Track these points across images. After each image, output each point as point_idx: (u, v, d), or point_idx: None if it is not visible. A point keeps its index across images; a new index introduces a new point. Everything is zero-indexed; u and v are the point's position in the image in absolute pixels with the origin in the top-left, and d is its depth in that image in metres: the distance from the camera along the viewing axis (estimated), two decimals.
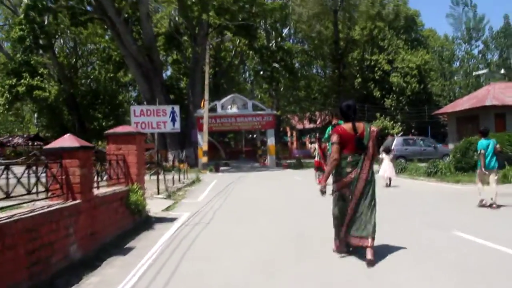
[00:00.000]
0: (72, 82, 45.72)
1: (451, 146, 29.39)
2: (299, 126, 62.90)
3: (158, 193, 14.58)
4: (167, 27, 40.18)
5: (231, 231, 8.78)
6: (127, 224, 8.89)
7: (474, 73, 40.43)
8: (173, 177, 17.94)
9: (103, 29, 41.62)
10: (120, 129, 9.78)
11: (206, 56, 30.94)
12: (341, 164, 6.01)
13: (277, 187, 18.36)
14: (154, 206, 12.40)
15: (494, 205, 10.37)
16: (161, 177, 15.90)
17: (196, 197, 15.06)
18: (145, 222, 9.76)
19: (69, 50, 50.26)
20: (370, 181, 5.99)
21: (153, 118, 15.00)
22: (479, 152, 10.62)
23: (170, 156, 31.81)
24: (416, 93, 48.39)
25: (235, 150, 58.76)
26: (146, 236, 8.55)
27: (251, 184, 20.07)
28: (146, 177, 18.85)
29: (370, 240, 5.89)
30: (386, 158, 16.61)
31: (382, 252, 6.40)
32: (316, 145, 21.76)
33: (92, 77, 49.66)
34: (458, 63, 48.28)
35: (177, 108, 15.56)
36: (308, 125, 63.56)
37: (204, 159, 30.55)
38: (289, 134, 67.07)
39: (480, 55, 46.64)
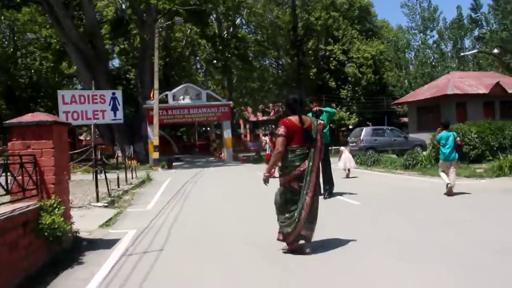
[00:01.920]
0: (9, 73, 41.17)
1: (413, 135, 27.25)
2: (252, 119, 60.16)
3: (98, 200, 11.29)
4: (112, 14, 36.34)
5: (194, 267, 5.75)
6: (38, 260, 5.73)
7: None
8: (117, 177, 14.57)
9: (42, 16, 37.24)
10: (28, 117, 6.51)
11: (155, 41, 27.42)
12: (289, 157, 5.83)
13: (242, 187, 15.33)
14: (90, 220, 9.24)
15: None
16: (105, 176, 12.67)
17: (146, 203, 11.85)
18: (70, 250, 6.61)
19: (6, 39, 45.51)
20: (319, 173, 6.11)
21: (88, 106, 11.33)
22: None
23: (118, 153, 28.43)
24: (372, 83, 46.51)
25: (187, 144, 55.20)
26: (65, 280, 5.41)
27: (210, 183, 16.94)
28: (88, 177, 15.58)
29: (312, 231, 5.98)
30: (345, 150, 16.53)
31: None
32: (267, 138, 20.54)
33: (32, 69, 44.96)
34: (413, 53, 46.47)
35: (119, 94, 11.93)
36: (261, 117, 60.98)
37: (155, 155, 27.07)
38: (242, 126, 64.19)
39: (435, 45, 44.96)
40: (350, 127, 47.80)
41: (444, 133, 10.75)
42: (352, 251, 6.06)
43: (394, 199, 10.76)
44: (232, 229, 8.04)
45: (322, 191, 10.99)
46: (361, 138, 23.70)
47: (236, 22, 44.52)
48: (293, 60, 41.28)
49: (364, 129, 25.36)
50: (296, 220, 5.71)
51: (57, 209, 6.11)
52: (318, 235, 6.28)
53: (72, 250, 6.69)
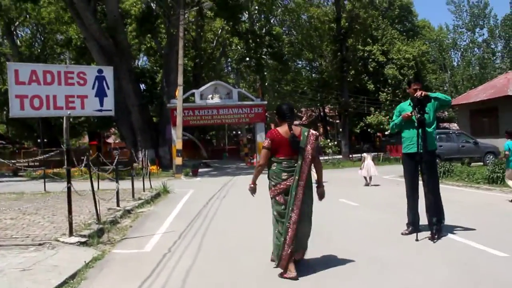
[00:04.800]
0: None
1: (482, 141, 22.36)
2: None
3: (71, 233, 7.00)
4: (138, 9, 32.46)
5: None
6: None
7: None
8: (116, 192, 10.20)
9: (68, 15, 33.68)
10: None
11: (180, 30, 23.15)
12: (275, 169, 5.22)
13: None
14: (32, 281, 5.02)
15: None
16: (93, 189, 8.38)
17: (147, 237, 7.52)
18: None
19: (36, 40, 42.50)
20: (309, 188, 5.20)
21: (59, 89, 6.71)
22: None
23: (140, 156, 24.57)
24: None
25: (217, 149, 51.00)
26: None
27: (242, 199, 12.33)
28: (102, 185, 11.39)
29: (302, 252, 5.33)
30: (368, 157, 15.39)
31: None
32: None
33: None
34: (459, 54, 41.20)
35: (108, 72, 6.98)
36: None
37: (178, 160, 22.66)
38: None
39: (485, 44, 39.58)
40: (386, 133, 43.27)
41: (510, 142, 10.39)
42: None
43: None
44: None
45: (429, 226, 6.63)
46: None
47: (271, 21, 40.32)
48: (334, 59, 36.52)
49: None
50: (282, 241, 5.02)
51: None
52: None
53: None
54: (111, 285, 5.03)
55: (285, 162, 5.17)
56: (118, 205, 10.06)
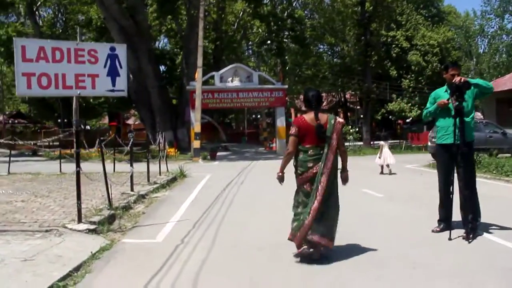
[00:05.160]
0: None
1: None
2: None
3: (80, 219, 6.63)
4: None
5: None
6: None
7: None
8: (131, 176, 9.80)
9: None
10: None
11: (201, 10, 22.58)
12: (302, 158, 5.18)
13: None
14: (32, 273, 4.64)
15: None
16: (105, 173, 7.96)
17: (160, 224, 7.11)
18: None
19: (57, 20, 42.32)
20: (334, 177, 5.15)
21: (68, 67, 6.17)
22: None
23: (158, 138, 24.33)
24: (437, 73, 40.27)
25: (236, 132, 50.53)
26: None
27: (262, 186, 11.64)
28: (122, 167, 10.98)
29: (330, 240, 5.10)
30: (385, 146, 14.87)
31: None
32: None
33: None
34: (486, 41, 39.76)
35: (121, 50, 6.49)
36: None
37: (196, 144, 22.26)
38: (293, 116, 59.07)
39: None
40: (408, 120, 42.27)
41: None
42: None
43: None
44: None
45: (462, 224, 6.07)
46: None
47: (293, 4, 39.43)
48: (357, 44, 35.61)
49: None
50: (301, 223, 5.02)
51: None
52: None
53: None
54: (116, 279, 4.62)
55: (311, 150, 5.16)
56: (132, 189, 9.69)
